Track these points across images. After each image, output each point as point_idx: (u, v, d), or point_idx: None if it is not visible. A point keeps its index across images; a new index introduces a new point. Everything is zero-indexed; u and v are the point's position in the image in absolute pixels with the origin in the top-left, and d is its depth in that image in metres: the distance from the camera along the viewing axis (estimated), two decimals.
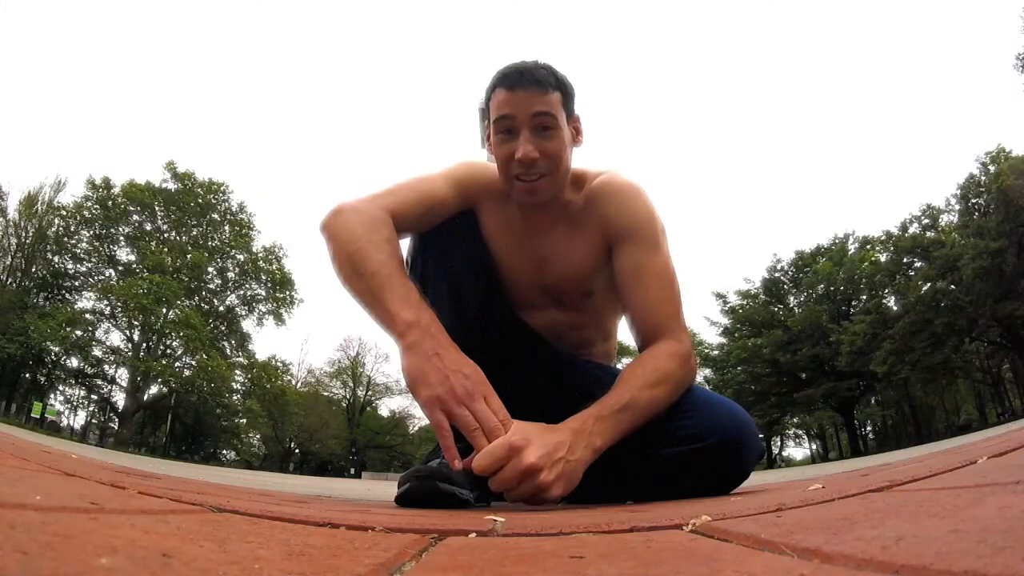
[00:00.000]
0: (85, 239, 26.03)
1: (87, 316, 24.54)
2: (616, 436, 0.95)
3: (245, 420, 29.71)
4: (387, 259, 1.00)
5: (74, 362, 25.36)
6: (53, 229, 25.32)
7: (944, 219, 22.64)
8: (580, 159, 1.22)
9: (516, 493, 0.87)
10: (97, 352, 25.32)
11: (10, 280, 24.15)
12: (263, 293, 29.10)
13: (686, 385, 1.07)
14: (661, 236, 1.16)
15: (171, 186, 27.20)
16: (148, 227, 27.51)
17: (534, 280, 1.24)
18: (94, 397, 27.88)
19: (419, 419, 38.52)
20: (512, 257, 1.23)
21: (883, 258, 24.62)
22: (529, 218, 1.21)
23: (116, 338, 25.85)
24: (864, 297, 25.62)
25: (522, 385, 1.19)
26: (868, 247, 26.53)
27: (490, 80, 1.12)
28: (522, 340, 1.23)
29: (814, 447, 38.23)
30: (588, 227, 1.19)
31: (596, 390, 1.01)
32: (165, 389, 26.23)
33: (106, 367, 26.24)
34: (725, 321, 29.51)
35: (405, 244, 1.21)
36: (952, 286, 20.14)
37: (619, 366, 1.40)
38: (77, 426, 29.49)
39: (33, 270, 25.08)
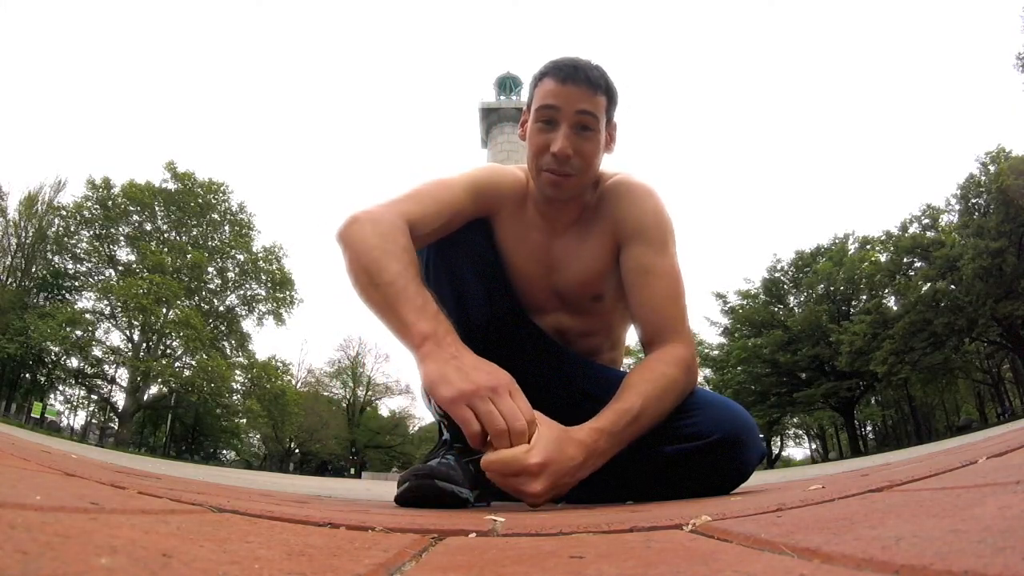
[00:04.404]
0: (85, 239, 25.96)
1: (87, 316, 24.46)
2: (620, 448, 0.95)
3: (245, 420, 29.65)
4: (404, 269, 0.97)
5: (74, 362, 25.31)
6: (53, 229, 25.27)
7: (944, 219, 22.57)
8: None
9: (501, 488, 0.87)
10: (97, 352, 25.26)
11: (10, 280, 24.12)
12: (263, 293, 29.03)
13: (689, 391, 1.07)
14: (670, 239, 1.17)
15: (171, 186, 27.10)
16: (148, 227, 27.44)
17: (545, 282, 1.24)
18: (94, 397, 27.81)
19: (419, 419, 38.53)
20: (524, 259, 1.23)
21: (883, 258, 24.54)
22: (546, 218, 1.20)
23: (116, 338, 25.82)
24: (864, 297, 25.56)
25: (529, 386, 1.18)
26: (868, 247, 26.47)
27: (539, 68, 1.11)
28: (531, 341, 1.23)
29: (814, 447, 38.20)
30: (599, 227, 1.19)
31: (602, 393, 1.01)
32: (165, 389, 26.18)
33: (106, 367, 26.17)
34: (725, 321, 29.45)
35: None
36: (952, 286, 20.09)
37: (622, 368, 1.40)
38: (77, 426, 29.46)
39: (33, 270, 25.05)
